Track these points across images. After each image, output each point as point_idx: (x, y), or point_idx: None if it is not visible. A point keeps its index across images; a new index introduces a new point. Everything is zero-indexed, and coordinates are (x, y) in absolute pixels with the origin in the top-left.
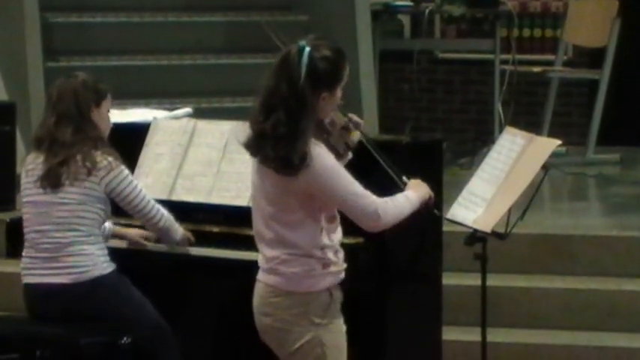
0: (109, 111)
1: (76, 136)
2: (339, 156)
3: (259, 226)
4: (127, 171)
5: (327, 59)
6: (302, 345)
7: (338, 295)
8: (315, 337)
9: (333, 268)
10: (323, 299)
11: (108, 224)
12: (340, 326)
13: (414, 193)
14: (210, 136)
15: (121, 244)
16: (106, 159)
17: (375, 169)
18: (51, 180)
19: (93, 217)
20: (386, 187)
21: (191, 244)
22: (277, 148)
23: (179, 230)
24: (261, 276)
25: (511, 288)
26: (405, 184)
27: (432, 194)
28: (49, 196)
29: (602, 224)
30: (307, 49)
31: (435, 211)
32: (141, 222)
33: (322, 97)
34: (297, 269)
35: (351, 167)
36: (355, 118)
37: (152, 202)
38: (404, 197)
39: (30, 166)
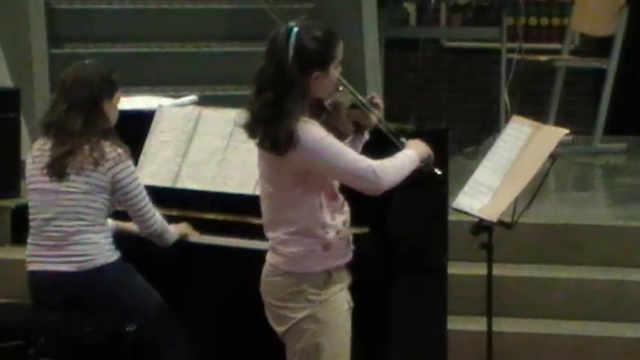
0: (118, 102)
1: (86, 126)
2: (342, 136)
3: (264, 207)
4: (133, 167)
5: (316, 39)
6: (297, 322)
7: (340, 276)
8: (310, 315)
9: (334, 251)
10: (320, 279)
11: (110, 221)
12: (339, 304)
13: (413, 151)
14: (215, 124)
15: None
16: (115, 150)
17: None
18: (56, 169)
19: (98, 207)
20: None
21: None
22: (266, 130)
23: (171, 237)
24: (267, 255)
25: (517, 278)
26: (403, 144)
27: (431, 153)
28: (55, 184)
29: (609, 214)
30: (295, 29)
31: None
32: (134, 222)
33: (314, 76)
34: (296, 249)
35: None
36: (376, 99)
37: (150, 205)
38: (403, 155)
39: (36, 152)
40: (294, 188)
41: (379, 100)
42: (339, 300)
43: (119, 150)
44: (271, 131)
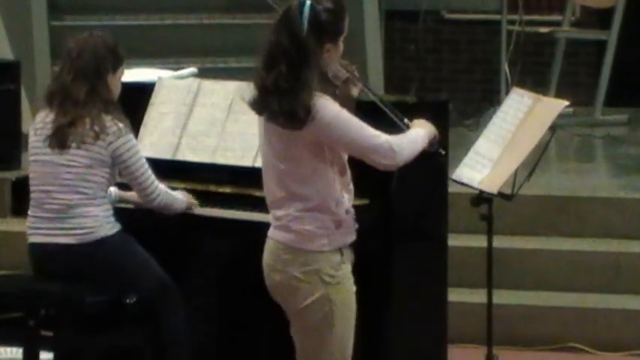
0: (121, 76)
1: (90, 96)
2: (348, 108)
3: (271, 186)
4: (134, 141)
5: (329, 11)
6: (311, 302)
7: (349, 256)
8: (324, 296)
9: (344, 228)
10: (334, 259)
11: (114, 189)
12: (350, 286)
13: (421, 130)
14: (215, 96)
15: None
16: (116, 124)
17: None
18: (58, 140)
19: (99, 181)
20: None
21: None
22: (282, 103)
23: (178, 207)
24: (272, 233)
25: (517, 249)
26: (407, 125)
27: (437, 133)
28: (56, 156)
29: (610, 185)
30: (308, 2)
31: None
32: (138, 196)
33: (326, 48)
34: (310, 227)
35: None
36: (354, 72)
37: (153, 178)
38: (414, 132)
39: (39, 124)
40: (309, 163)
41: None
42: (350, 281)
43: (120, 124)
44: (287, 105)
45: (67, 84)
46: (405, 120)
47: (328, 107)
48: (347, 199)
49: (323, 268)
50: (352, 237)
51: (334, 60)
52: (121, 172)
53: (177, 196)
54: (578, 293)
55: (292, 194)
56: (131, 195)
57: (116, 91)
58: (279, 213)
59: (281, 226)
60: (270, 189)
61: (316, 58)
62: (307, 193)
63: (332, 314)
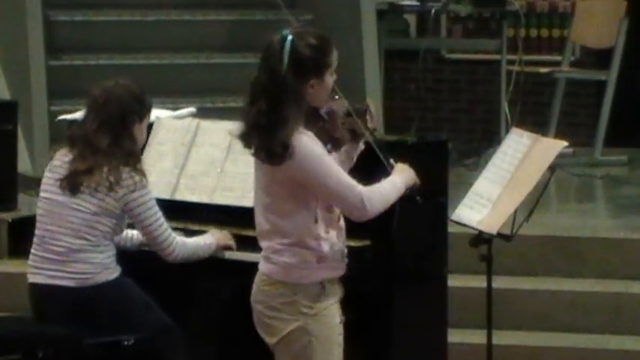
0: (147, 124)
1: (112, 147)
2: (339, 144)
3: (259, 218)
4: (149, 195)
5: (311, 46)
6: (288, 333)
7: (332, 289)
8: (302, 327)
9: (329, 263)
10: (313, 290)
11: (136, 233)
12: (331, 318)
13: (399, 179)
14: (213, 136)
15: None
16: (132, 177)
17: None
18: (70, 185)
19: (104, 230)
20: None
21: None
22: (261, 139)
23: (203, 255)
24: (259, 264)
25: (517, 290)
26: (392, 167)
27: (417, 180)
28: (66, 198)
29: (610, 226)
30: (289, 37)
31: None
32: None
33: (310, 84)
34: (290, 260)
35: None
36: (371, 107)
37: (168, 232)
38: (390, 183)
39: (56, 162)
40: (289, 199)
41: (372, 109)
42: (331, 314)
43: (136, 178)
44: (266, 141)
45: (90, 133)
46: (391, 160)
47: (309, 146)
48: (334, 235)
49: (301, 300)
50: (338, 272)
51: (322, 94)
52: (135, 226)
53: (197, 245)
54: (578, 334)
55: (275, 228)
56: None
57: (141, 139)
58: (264, 245)
59: (265, 258)
60: (257, 220)
61: (298, 94)
62: (287, 229)
63: (311, 347)
